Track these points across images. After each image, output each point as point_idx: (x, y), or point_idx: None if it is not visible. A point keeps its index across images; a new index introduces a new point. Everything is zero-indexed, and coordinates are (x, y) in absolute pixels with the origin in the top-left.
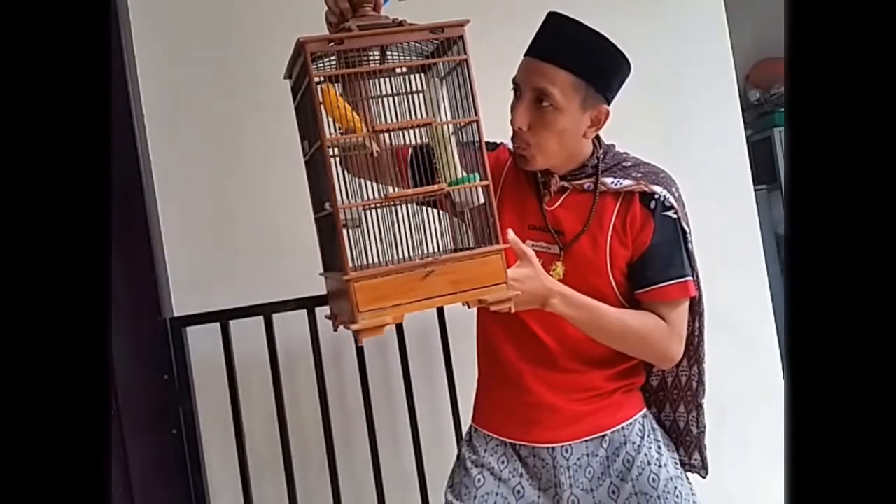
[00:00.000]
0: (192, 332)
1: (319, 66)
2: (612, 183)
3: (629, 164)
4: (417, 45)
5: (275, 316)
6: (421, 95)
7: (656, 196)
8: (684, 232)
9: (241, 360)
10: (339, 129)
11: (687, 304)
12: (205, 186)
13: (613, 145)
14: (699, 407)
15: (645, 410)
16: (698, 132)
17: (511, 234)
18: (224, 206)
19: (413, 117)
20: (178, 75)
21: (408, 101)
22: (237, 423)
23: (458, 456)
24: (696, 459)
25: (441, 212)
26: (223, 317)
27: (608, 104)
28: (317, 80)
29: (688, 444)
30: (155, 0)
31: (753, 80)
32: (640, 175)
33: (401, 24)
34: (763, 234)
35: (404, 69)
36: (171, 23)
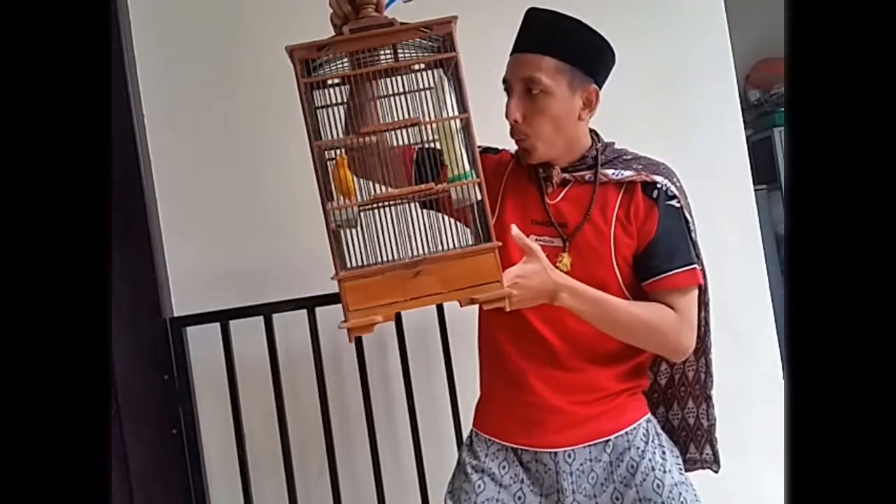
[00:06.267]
0: (192, 332)
1: (333, 68)
2: (613, 174)
3: (629, 157)
4: (427, 42)
5: (275, 316)
6: (426, 93)
7: (658, 185)
8: (687, 221)
9: (241, 360)
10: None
11: (696, 292)
12: (205, 186)
13: (613, 142)
14: (708, 399)
15: (649, 415)
16: (698, 132)
17: (515, 229)
18: (224, 206)
19: (419, 114)
20: (178, 75)
21: (415, 98)
22: (237, 423)
23: (459, 461)
24: (707, 454)
25: (441, 213)
26: (223, 317)
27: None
28: (333, 80)
29: (698, 439)
30: (155, 1)
31: (753, 80)
32: (640, 167)
33: (391, 24)
34: (763, 234)
35: (421, 65)
36: (171, 23)
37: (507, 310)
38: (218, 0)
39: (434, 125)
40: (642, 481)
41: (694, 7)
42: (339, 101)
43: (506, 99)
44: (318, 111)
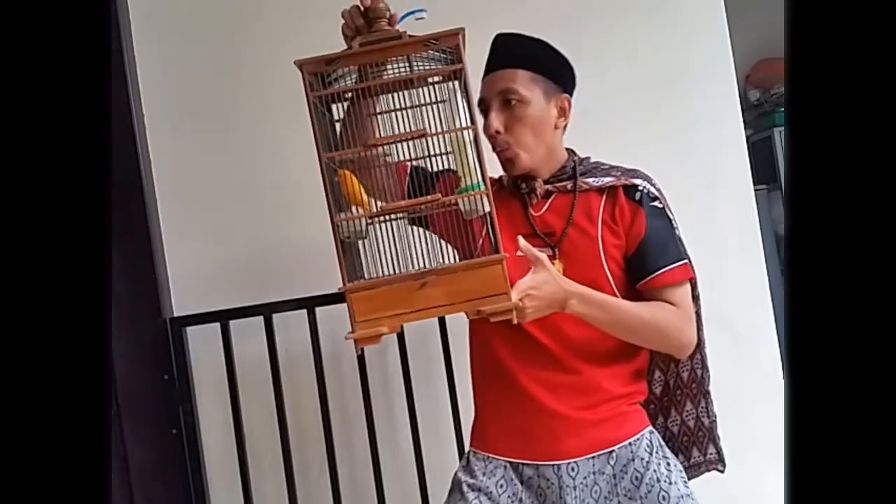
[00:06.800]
0: (192, 332)
1: (350, 80)
2: (594, 181)
3: (606, 166)
4: (439, 55)
5: (275, 316)
6: (434, 104)
7: (640, 188)
8: (670, 219)
9: (241, 360)
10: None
11: (689, 286)
12: (205, 186)
13: (589, 157)
14: (707, 395)
15: (651, 427)
16: (698, 132)
17: (522, 240)
18: (224, 206)
19: (427, 126)
20: (178, 75)
21: (423, 111)
22: (237, 423)
23: (454, 481)
24: (711, 454)
25: (429, 230)
26: (223, 317)
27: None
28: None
29: (700, 440)
30: (155, 1)
31: (753, 80)
32: (619, 173)
33: (399, 37)
34: (763, 234)
35: (437, 77)
36: (171, 23)
37: (515, 322)
38: (218, 0)
39: (449, 136)
40: (647, 493)
41: (694, 7)
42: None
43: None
44: (336, 123)
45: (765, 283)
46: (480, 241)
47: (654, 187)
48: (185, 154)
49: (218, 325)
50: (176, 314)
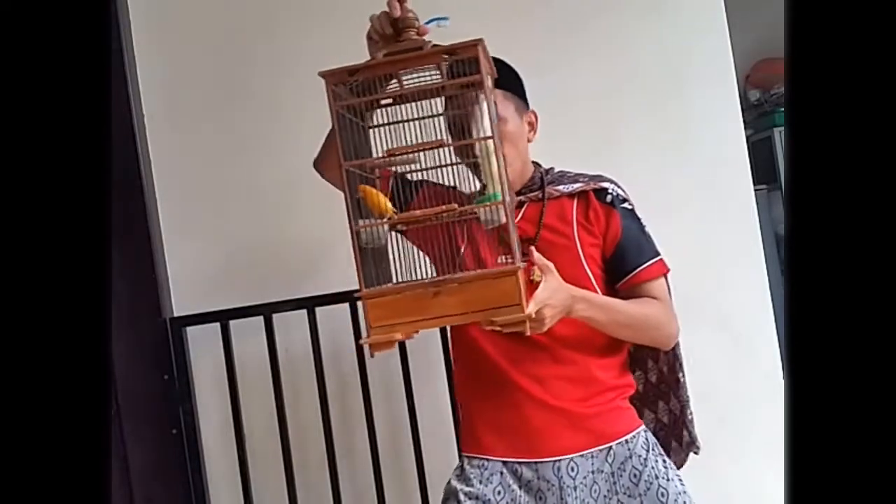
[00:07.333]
0: (192, 332)
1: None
2: (564, 188)
3: (572, 174)
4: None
5: (275, 316)
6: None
7: (610, 191)
8: (640, 219)
9: (241, 360)
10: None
11: (664, 279)
12: (205, 186)
13: (553, 167)
14: (677, 381)
15: (644, 426)
16: (698, 132)
17: (534, 250)
18: (224, 206)
19: (450, 136)
20: (178, 75)
21: (441, 121)
22: (237, 423)
23: (448, 490)
24: (685, 439)
25: (408, 239)
26: (223, 317)
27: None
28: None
29: (678, 427)
30: (155, 0)
31: (753, 80)
32: (586, 179)
33: (419, 48)
34: (763, 234)
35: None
36: (171, 23)
37: (528, 333)
38: (218, 0)
39: (478, 144)
40: (646, 490)
41: (694, 7)
42: (389, 120)
43: None
44: (369, 129)
45: (765, 283)
46: (462, 251)
47: (621, 189)
48: (185, 154)
49: (218, 325)
50: (176, 314)
